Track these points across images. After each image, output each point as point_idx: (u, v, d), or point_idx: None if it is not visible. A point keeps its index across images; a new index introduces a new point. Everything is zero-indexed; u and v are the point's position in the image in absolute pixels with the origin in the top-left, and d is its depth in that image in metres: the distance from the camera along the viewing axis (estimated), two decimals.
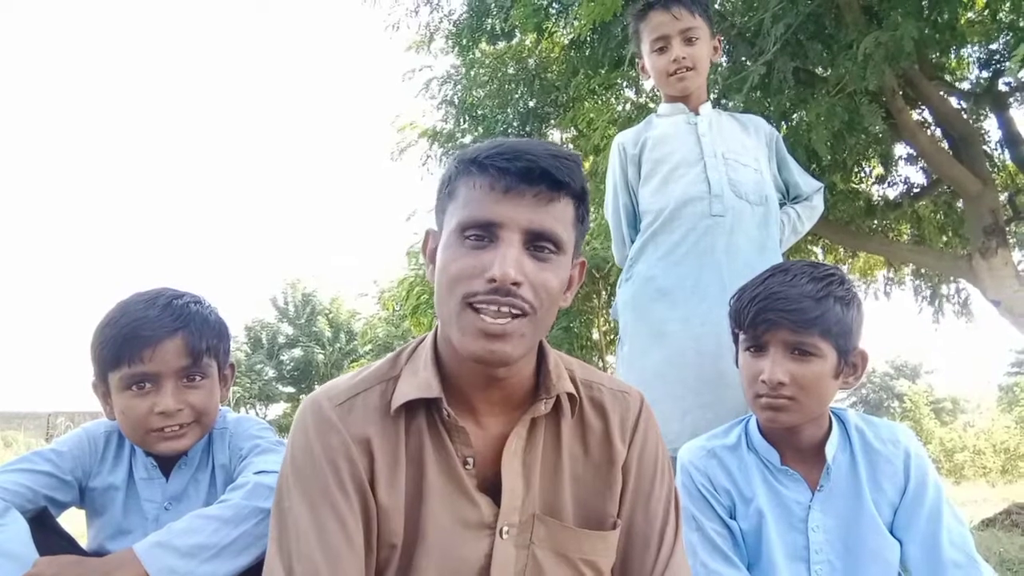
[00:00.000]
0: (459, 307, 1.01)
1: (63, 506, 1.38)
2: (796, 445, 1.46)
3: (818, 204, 2.36)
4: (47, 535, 1.24)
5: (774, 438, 1.48)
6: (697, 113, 2.22)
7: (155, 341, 1.32)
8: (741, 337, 1.50)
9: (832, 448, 1.43)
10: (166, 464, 1.42)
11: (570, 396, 1.14)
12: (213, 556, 1.17)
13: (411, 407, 1.09)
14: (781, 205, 2.29)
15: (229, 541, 1.18)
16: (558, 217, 1.03)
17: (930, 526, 1.39)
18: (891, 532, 1.42)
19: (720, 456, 1.50)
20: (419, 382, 1.09)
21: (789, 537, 1.43)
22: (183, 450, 1.40)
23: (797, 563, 1.41)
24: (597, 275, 9.18)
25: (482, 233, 1.01)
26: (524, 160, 1.00)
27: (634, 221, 2.27)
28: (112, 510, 1.40)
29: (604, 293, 9.80)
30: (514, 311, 0.99)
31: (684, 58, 2.14)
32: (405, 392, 1.08)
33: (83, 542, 1.37)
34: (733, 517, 1.47)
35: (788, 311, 1.38)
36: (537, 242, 1.02)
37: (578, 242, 1.10)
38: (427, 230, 1.14)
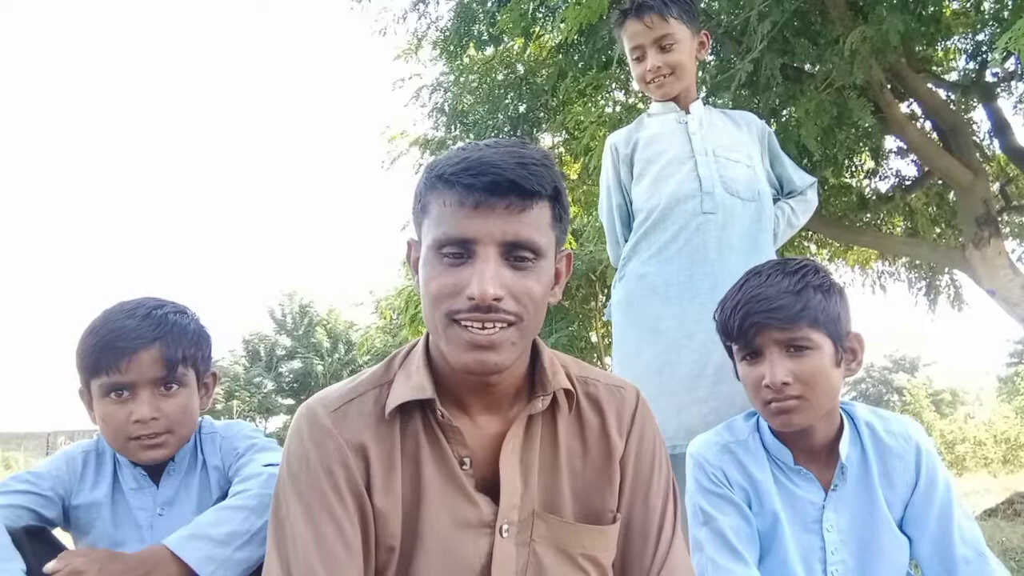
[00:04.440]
0: (444, 322, 1.02)
1: (48, 523, 1.38)
2: (809, 444, 1.44)
3: (812, 198, 2.37)
4: (49, 551, 1.22)
5: (787, 437, 1.46)
6: (688, 111, 2.22)
7: (131, 351, 1.35)
8: (734, 348, 1.48)
9: (845, 447, 1.42)
10: (154, 472, 1.45)
11: (567, 392, 1.14)
12: (246, 543, 1.20)
13: (406, 410, 1.09)
14: (775, 200, 2.30)
15: (258, 528, 1.22)
16: (533, 224, 1.02)
17: (941, 523, 1.38)
18: (900, 528, 1.41)
19: (735, 452, 1.48)
20: (412, 385, 1.09)
21: (804, 538, 1.41)
22: (163, 459, 1.42)
23: (813, 564, 1.40)
24: (594, 277, 9.18)
25: (458, 250, 1.00)
26: (490, 174, 0.98)
27: (628, 221, 2.28)
28: (100, 525, 1.42)
29: (601, 295, 9.80)
30: (499, 324, 1.00)
31: (660, 67, 2.15)
32: (399, 395, 1.09)
33: None
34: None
35: (771, 310, 1.38)
36: (515, 252, 1.01)
37: (559, 239, 1.09)
38: (408, 240, 1.14)
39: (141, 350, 1.35)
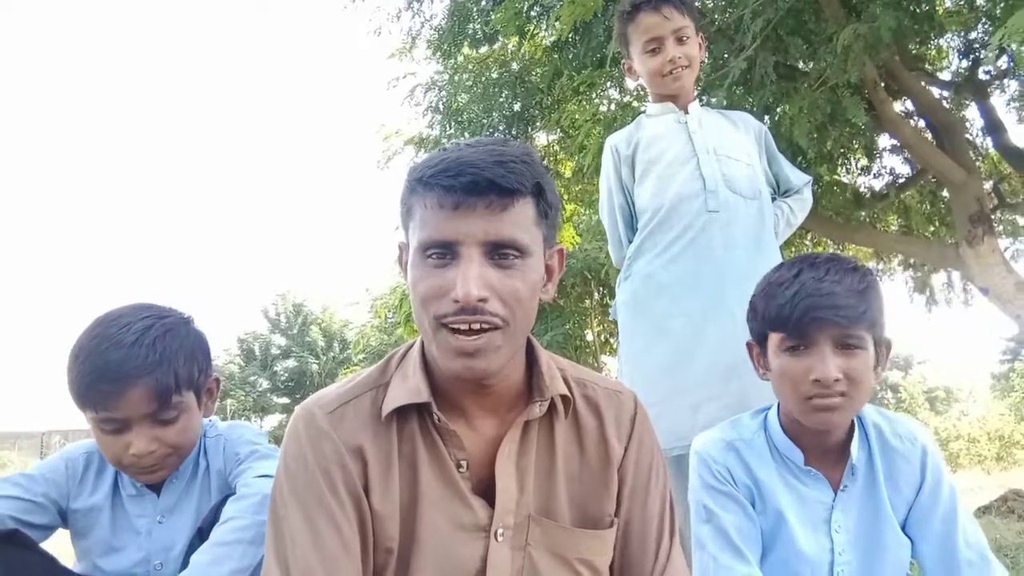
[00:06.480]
0: (433, 327, 1.01)
1: (42, 528, 1.36)
2: (823, 445, 1.43)
3: (808, 196, 2.39)
4: (22, 554, 1.22)
5: (799, 437, 1.44)
6: (686, 111, 2.23)
7: (119, 392, 1.26)
8: (778, 337, 1.40)
9: (855, 447, 1.41)
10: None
11: (563, 397, 1.14)
12: None
13: (403, 412, 1.09)
14: (772, 199, 2.31)
15: (258, 561, 1.19)
16: (516, 222, 1.01)
17: (945, 526, 1.38)
18: (903, 529, 1.41)
19: (739, 450, 1.46)
20: (409, 387, 1.08)
21: (813, 538, 1.40)
22: (163, 479, 1.39)
23: (821, 564, 1.39)
24: (590, 276, 9.18)
25: (442, 251, 1.00)
26: (468, 175, 0.97)
27: (631, 221, 2.28)
28: (98, 529, 1.39)
29: (597, 294, 9.81)
30: (485, 326, 0.99)
31: (680, 57, 2.16)
32: (395, 398, 1.08)
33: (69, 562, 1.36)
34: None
35: (836, 306, 1.33)
36: (498, 251, 1.00)
37: (548, 236, 1.08)
38: (399, 243, 1.14)
39: (130, 388, 1.26)
